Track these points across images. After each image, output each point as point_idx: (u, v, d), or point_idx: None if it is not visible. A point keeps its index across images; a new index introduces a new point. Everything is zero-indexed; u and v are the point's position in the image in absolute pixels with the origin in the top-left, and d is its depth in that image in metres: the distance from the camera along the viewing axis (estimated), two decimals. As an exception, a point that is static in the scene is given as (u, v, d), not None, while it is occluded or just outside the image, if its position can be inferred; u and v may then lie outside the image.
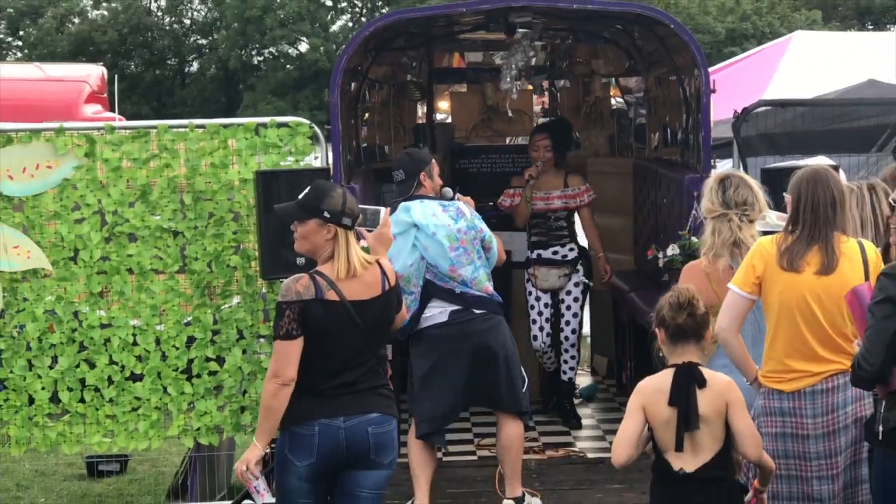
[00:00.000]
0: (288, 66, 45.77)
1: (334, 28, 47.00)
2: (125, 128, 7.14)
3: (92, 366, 6.94)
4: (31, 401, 6.94)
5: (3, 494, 8.62)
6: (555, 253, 8.45)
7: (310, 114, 33.17)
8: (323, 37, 44.94)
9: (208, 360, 6.96)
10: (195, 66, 49.45)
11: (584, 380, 9.60)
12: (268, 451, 5.07)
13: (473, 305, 6.43)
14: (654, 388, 4.51)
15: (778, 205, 5.78)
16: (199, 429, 6.98)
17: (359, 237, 5.11)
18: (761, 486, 4.73)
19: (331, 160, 7.19)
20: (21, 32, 47.10)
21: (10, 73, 14.74)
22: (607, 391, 9.41)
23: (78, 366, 6.93)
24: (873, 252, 5.00)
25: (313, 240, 4.96)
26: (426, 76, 10.24)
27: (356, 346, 4.92)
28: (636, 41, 8.91)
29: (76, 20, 47.52)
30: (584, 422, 8.46)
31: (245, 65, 46.17)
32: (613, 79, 10.16)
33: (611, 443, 4.58)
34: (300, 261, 5.73)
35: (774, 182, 6.44)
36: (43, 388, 6.93)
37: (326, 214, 4.91)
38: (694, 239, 6.76)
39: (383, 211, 5.45)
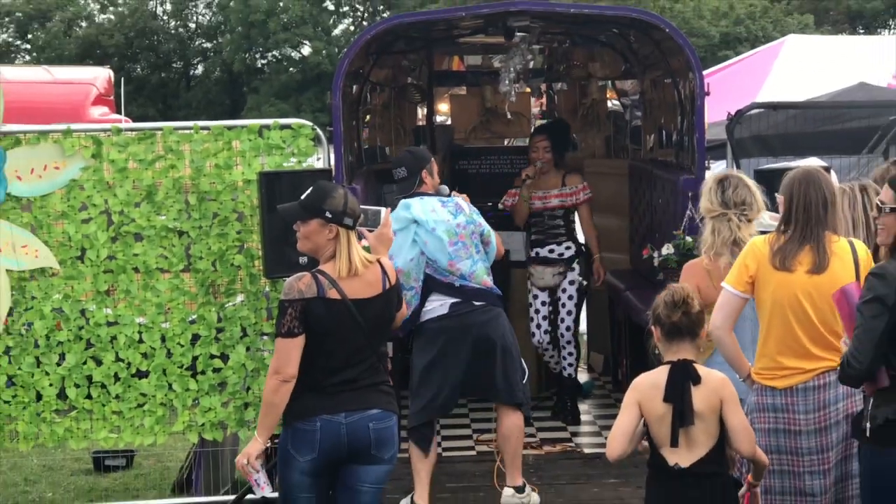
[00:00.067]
0: (291, 69, 45.79)
1: (336, 32, 47.03)
2: (131, 129, 7.13)
3: (99, 363, 6.94)
4: (39, 397, 6.94)
5: (11, 489, 8.62)
6: (551, 251, 8.45)
7: (312, 116, 33.19)
8: (325, 40, 44.98)
9: (212, 357, 6.96)
10: (200, 69, 49.47)
11: (580, 376, 9.58)
12: (269, 445, 5.08)
13: (473, 297, 6.45)
14: (649, 385, 4.51)
15: (771, 205, 5.78)
16: (203, 424, 6.98)
17: (360, 237, 5.11)
18: (755, 481, 4.73)
19: (332, 161, 7.19)
20: (29, 36, 47.11)
21: (18, 75, 14.72)
22: (603, 388, 9.41)
23: (85, 363, 6.93)
24: (864, 251, 5.00)
25: (315, 239, 4.97)
26: (426, 79, 10.24)
27: (357, 344, 4.92)
28: (632, 45, 8.91)
29: (83, 24, 47.55)
30: (581, 418, 8.46)
31: (249, 68, 46.20)
32: (610, 81, 10.17)
33: (607, 438, 4.58)
34: (303, 260, 5.73)
35: (767, 183, 6.43)
36: (50, 385, 6.93)
37: (328, 214, 4.91)
38: (688, 238, 6.76)
39: (384, 211, 5.46)
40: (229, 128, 6.97)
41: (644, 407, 4.49)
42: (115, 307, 6.92)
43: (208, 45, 49.06)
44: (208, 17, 49.27)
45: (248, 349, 6.95)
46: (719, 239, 5.47)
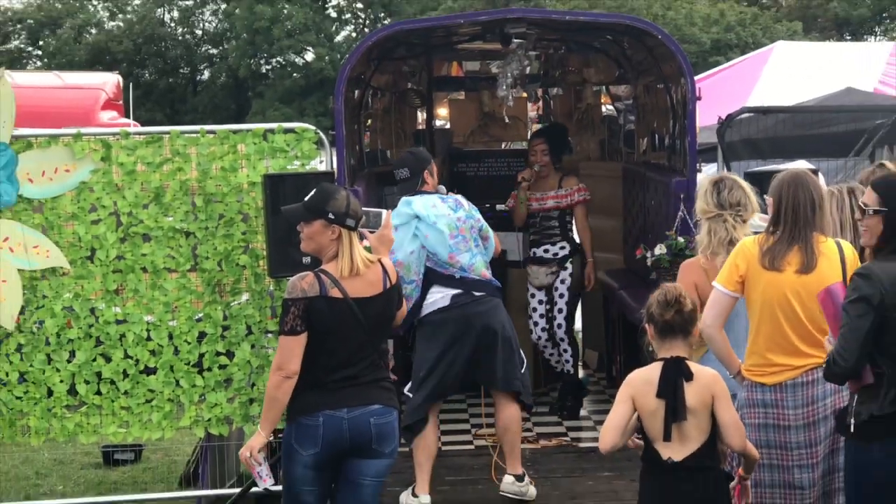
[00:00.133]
0: (294, 74, 45.79)
1: (339, 38, 47.02)
2: (139, 133, 7.14)
3: (108, 360, 6.94)
4: (50, 393, 6.94)
5: (23, 482, 8.62)
6: (546, 251, 8.46)
7: (315, 120, 33.15)
8: (328, 47, 44.96)
9: (218, 354, 6.96)
10: (206, 74, 49.46)
11: (576, 373, 9.59)
12: (271, 439, 5.07)
13: (473, 288, 6.46)
14: (643, 380, 4.51)
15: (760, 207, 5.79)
16: (209, 419, 6.98)
17: (361, 237, 5.11)
18: (745, 475, 4.73)
19: (335, 164, 7.18)
20: (41, 42, 47.10)
21: (30, 81, 14.72)
22: (598, 384, 9.40)
23: (94, 360, 6.93)
24: (851, 252, 5.00)
25: (318, 240, 4.97)
26: (426, 84, 10.23)
27: (358, 342, 4.92)
28: (625, 51, 8.90)
29: (93, 31, 47.54)
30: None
31: (254, 73, 46.18)
32: (604, 87, 10.16)
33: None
34: (306, 260, 5.73)
35: (757, 185, 6.43)
36: (61, 381, 6.93)
37: (331, 216, 4.91)
38: (680, 239, 6.76)
39: (385, 213, 5.48)
40: (235, 132, 6.98)
41: (637, 402, 4.49)
42: (123, 306, 6.92)
43: (214, 51, 49.05)
44: (214, 25, 49.27)
45: (252, 346, 6.95)
46: (715, 239, 5.48)
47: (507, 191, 8.72)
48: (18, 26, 47.29)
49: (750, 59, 15.18)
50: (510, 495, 6.53)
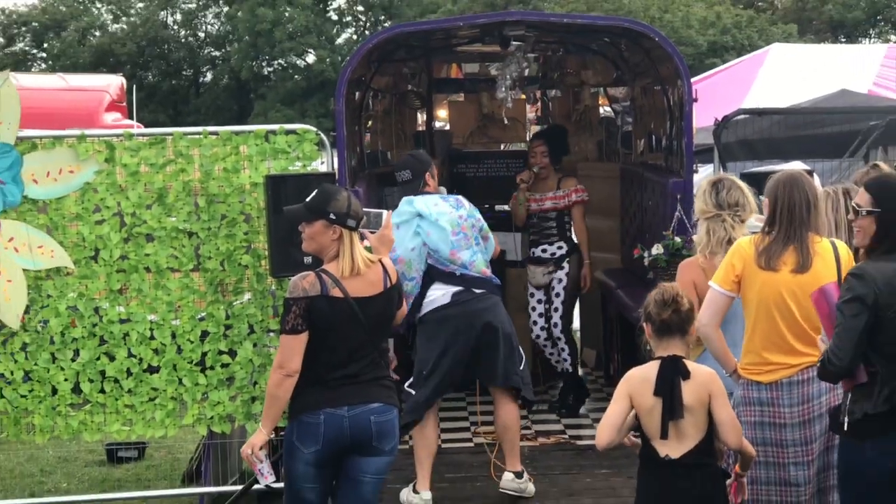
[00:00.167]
0: (296, 76, 45.79)
1: (339, 41, 47.01)
2: (143, 135, 7.13)
3: (112, 358, 6.93)
4: (55, 391, 6.93)
5: (28, 479, 8.62)
6: (544, 251, 8.48)
7: (316, 121, 33.15)
8: (329, 49, 44.97)
9: (221, 353, 6.96)
10: (209, 76, 49.46)
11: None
12: (273, 436, 5.07)
13: (473, 285, 6.46)
14: (640, 378, 4.51)
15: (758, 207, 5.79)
16: (212, 418, 6.98)
17: (362, 238, 5.11)
18: (742, 472, 4.73)
19: (336, 165, 7.18)
20: (45, 45, 47.11)
21: (34, 83, 14.73)
22: (595, 382, 9.40)
23: (98, 358, 6.93)
24: (845, 251, 5.00)
25: (320, 240, 4.96)
26: (426, 86, 10.23)
27: (359, 340, 4.92)
28: (623, 53, 8.90)
29: (97, 33, 47.54)
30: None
31: (256, 75, 46.18)
32: (602, 88, 10.15)
33: (598, 429, 4.57)
34: (307, 260, 5.73)
35: (753, 186, 6.43)
36: (65, 380, 6.92)
37: (332, 216, 4.91)
38: (677, 239, 6.76)
39: (385, 213, 5.48)
40: (237, 133, 6.97)
41: (635, 400, 4.49)
42: (127, 305, 6.92)
43: (217, 53, 49.05)
44: (217, 27, 49.27)
45: (255, 345, 6.95)
46: (714, 238, 5.48)
47: (506, 191, 8.72)
48: (23, 29, 47.30)
49: (746, 61, 15.18)
50: (509, 492, 6.53)
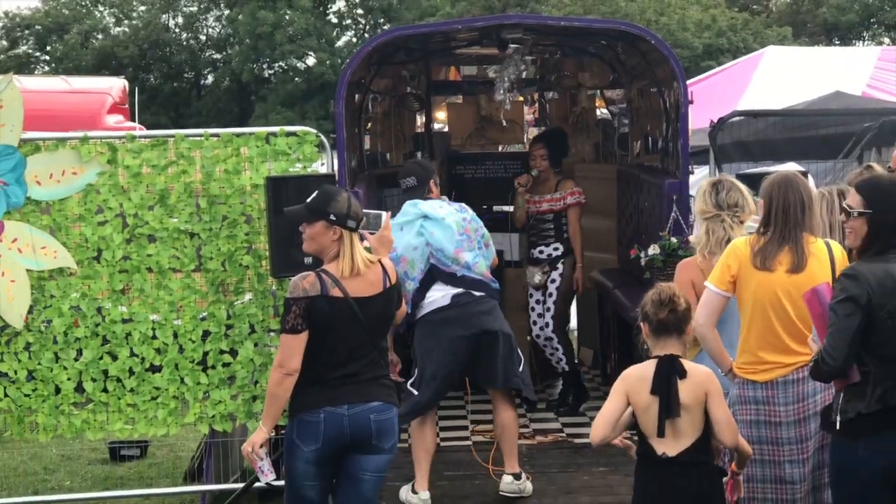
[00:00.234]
0: (296, 78, 45.75)
1: (339, 43, 46.97)
2: (145, 136, 7.12)
3: (114, 358, 6.93)
4: (58, 390, 6.93)
5: (31, 477, 8.62)
6: (541, 252, 8.50)
7: (316, 123, 33.16)
8: (329, 51, 44.92)
9: (222, 352, 6.95)
10: (210, 78, 49.42)
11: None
12: (273, 435, 5.07)
13: (473, 288, 6.47)
14: (637, 377, 4.51)
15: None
16: (213, 416, 6.97)
17: (361, 238, 5.11)
18: (738, 470, 4.73)
19: (336, 166, 7.18)
20: (48, 48, 47.06)
21: (38, 85, 14.73)
22: (593, 381, 9.40)
23: (101, 358, 6.92)
24: (839, 252, 5.00)
25: (320, 241, 4.97)
26: (424, 88, 10.23)
27: (358, 340, 4.92)
28: (619, 56, 8.90)
29: (100, 36, 47.49)
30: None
31: (257, 78, 46.14)
32: (598, 90, 10.16)
33: (594, 426, 4.57)
34: (308, 260, 5.73)
35: (748, 187, 6.44)
36: (68, 379, 6.92)
37: (333, 217, 4.91)
38: (673, 240, 6.77)
39: (385, 215, 5.48)
40: (238, 135, 6.97)
41: (631, 398, 4.49)
42: (129, 305, 6.91)
43: (218, 56, 49.00)
44: (218, 30, 49.22)
45: (255, 345, 6.94)
46: (713, 238, 5.49)
47: (504, 192, 8.72)
48: (26, 32, 47.25)
49: (741, 63, 15.19)
50: (509, 494, 6.53)
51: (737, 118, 8.77)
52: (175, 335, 6.92)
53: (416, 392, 6.40)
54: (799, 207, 4.95)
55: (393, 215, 6.20)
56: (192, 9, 48.76)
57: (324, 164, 7.25)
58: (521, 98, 10.45)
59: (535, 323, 8.45)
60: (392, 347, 6.50)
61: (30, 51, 47.48)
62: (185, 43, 48.83)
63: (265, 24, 43.46)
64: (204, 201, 6.89)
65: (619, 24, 8.67)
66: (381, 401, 4.98)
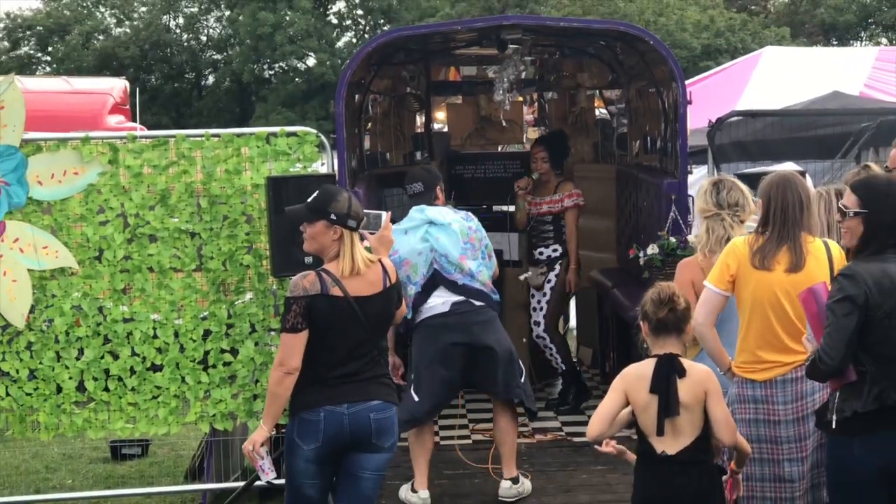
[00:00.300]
0: (297, 79, 45.73)
1: (340, 44, 46.96)
2: (146, 137, 7.13)
3: (115, 357, 6.93)
4: (59, 390, 6.93)
5: (33, 476, 8.62)
6: (540, 253, 8.51)
7: (317, 124, 33.14)
8: (329, 52, 44.91)
9: (223, 351, 6.95)
10: (211, 79, 49.40)
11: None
12: (274, 433, 5.07)
13: (474, 297, 6.45)
14: (636, 375, 4.51)
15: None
16: (214, 415, 6.97)
17: (361, 238, 5.11)
18: (737, 468, 4.73)
19: (336, 166, 7.18)
20: (50, 49, 47.03)
21: (39, 86, 14.72)
22: (592, 380, 9.40)
23: (102, 357, 6.92)
24: (837, 251, 5.00)
25: (321, 240, 4.97)
26: (424, 89, 10.23)
27: (358, 339, 4.92)
28: (618, 56, 8.90)
29: (101, 37, 47.47)
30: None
31: (257, 78, 46.13)
32: (597, 91, 10.16)
33: (592, 424, 4.57)
34: (308, 259, 5.73)
35: (746, 186, 6.44)
36: (70, 378, 6.92)
37: (333, 217, 4.91)
38: (672, 239, 6.76)
39: (385, 215, 5.47)
40: (238, 135, 6.97)
41: (630, 396, 4.49)
42: (130, 305, 6.92)
43: (219, 56, 48.98)
44: (219, 31, 49.21)
45: (256, 344, 6.94)
46: (713, 237, 5.50)
47: (503, 192, 8.72)
48: (28, 33, 47.23)
49: (739, 63, 15.18)
50: (509, 499, 6.53)
51: (735, 118, 8.77)
52: (176, 334, 6.92)
53: (415, 395, 6.40)
54: (797, 207, 4.95)
55: (393, 215, 6.19)
56: (192, 10, 48.75)
57: (324, 164, 7.25)
58: (521, 98, 10.45)
59: (536, 323, 8.45)
60: (394, 350, 6.52)
61: (31, 52, 47.47)
62: (185, 44, 48.81)
63: (266, 25, 43.45)
64: (205, 201, 6.89)
65: (617, 24, 8.65)
66: (381, 400, 4.98)
